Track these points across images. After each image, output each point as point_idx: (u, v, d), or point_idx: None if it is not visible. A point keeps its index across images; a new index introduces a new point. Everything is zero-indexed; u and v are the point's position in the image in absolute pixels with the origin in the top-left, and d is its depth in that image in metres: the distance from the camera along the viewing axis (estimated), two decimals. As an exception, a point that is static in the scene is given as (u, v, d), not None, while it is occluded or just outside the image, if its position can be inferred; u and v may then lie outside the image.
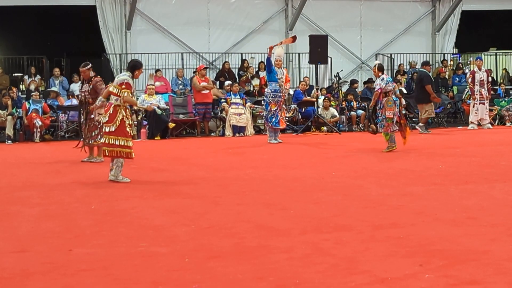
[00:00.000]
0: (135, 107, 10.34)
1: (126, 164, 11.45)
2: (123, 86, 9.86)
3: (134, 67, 10.09)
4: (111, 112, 9.88)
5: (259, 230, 6.35)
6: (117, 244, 5.88)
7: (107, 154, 9.94)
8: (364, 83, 23.43)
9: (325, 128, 19.89)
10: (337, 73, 21.69)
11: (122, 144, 9.83)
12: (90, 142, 12.58)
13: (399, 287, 4.52)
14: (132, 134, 10.11)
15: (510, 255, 5.22)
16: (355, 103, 21.17)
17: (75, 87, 19.15)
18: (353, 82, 23.03)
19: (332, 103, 20.72)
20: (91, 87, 12.55)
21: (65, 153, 13.03)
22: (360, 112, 20.88)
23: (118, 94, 9.84)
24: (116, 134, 9.82)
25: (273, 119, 16.49)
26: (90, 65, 12.85)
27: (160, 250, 5.61)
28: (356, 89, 22.82)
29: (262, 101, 17.73)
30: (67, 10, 25.52)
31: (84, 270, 5.06)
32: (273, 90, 16.58)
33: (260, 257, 5.34)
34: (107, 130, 9.89)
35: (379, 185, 9.11)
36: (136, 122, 18.96)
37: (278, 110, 16.47)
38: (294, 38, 18.01)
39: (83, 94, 12.73)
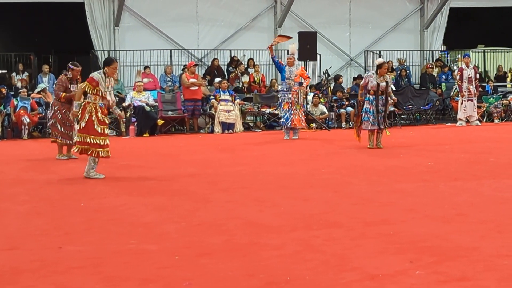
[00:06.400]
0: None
1: (114, 161, 11.46)
2: (87, 80, 10.00)
3: (105, 63, 10.16)
4: (82, 109, 9.95)
5: (250, 227, 6.35)
6: (107, 241, 5.86)
7: (79, 152, 10.03)
8: (353, 79, 23.47)
9: (314, 125, 19.90)
10: (326, 70, 21.71)
11: (92, 142, 9.83)
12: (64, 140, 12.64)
13: (389, 283, 4.52)
14: (104, 131, 9.97)
15: (500, 251, 5.23)
16: (346, 102, 21.17)
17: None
18: (337, 77, 23.01)
19: (321, 100, 20.73)
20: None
21: (53, 150, 12.96)
22: (350, 109, 20.88)
23: (88, 91, 9.91)
24: (85, 132, 9.85)
25: (282, 119, 16.64)
26: None
27: (150, 248, 5.59)
28: (342, 84, 22.84)
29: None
30: (55, 7, 25.41)
31: (74, 267, 5.03)
32: (281, 89, 16.80)
33: (251, 254, 5.33)
34: (78, 127, 10.04)
35: (369, 182, 9.12)
36: (124, 119, 18.93)
37: (289, 109, 16.46)
38: (288, 37, 17.96)
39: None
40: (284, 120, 16.52)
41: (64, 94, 12.65)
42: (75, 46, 28.37)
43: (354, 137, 13.89)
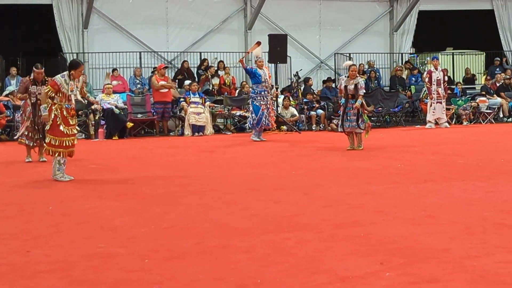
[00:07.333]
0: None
1: (83, 164, 11.38)
2: (50, 84, 10.05)
3: (71, 66, 10.18)
4: (48, 110, 9.99)
5: (220, 230, 6.33)
6: (75, 245, 5.81)
7: (49, 153, 10.06)
8: (323, 82, 23.53)
9: (285, 127, 19.90)
10: (297, 72, 21.73)
11: (56, 144, 9.88)
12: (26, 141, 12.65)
13: (360, 285, 4.53)
14: (68, 133, 9.98)
15: (469, 253, 5.26)
16: (317, 104, 21.22)
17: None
18: (307, 80, 23.05)
19: (291, 102, 20.75)
20: None
21: (21, 153, 12.83)
22: (320, 111, 20.93)
23: (51, 94, 9.95)
24: (51, 133, 9.92)
25: (265, 121, 16.55)
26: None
27: (119, 251, 5.55)
28: (312, 87, 22.89)
29: (249, 103, 17.41)
30: (23, 9, 25.18)
31: (43, 271, 4.98)
32: (259, 92, 16.57)
33: (221, 257, 5.31)
34: (46, 128, 10.07)
35: (339, 184, 9.14)
36: (93, 122, 18.78)
37: (265, 111, 16.49)
38: (258, 43, 17.91)
39: (39, 96, 12.63)
40: (257, 122, 16.48)
41: (20, 95, 12.88)
42: (44, 49, 28.13)
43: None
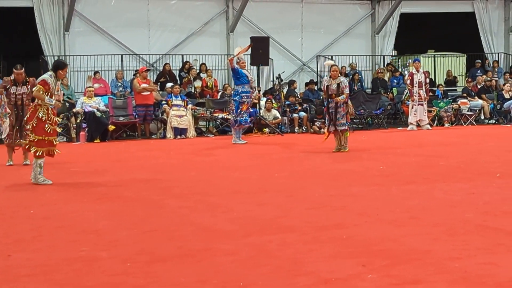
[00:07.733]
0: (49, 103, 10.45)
1: (65, 167, 11.33)
2: (39, 83, 10.02)
3: (57, 67, 10.17)
4: (32, 111, 10.02)
5: (203, 233, 6.31)
6: (57, 248, 5.78)
7: (32, 152, 10.04)
8: (306, 84, 23.55)
9: (267, 130, 19.92)
10: (279, 74, 21.76)
11: (39, 140, 9.88)
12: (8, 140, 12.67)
13: (343, 287, 4.53)
14: (51, 131, 10.00)
15: (451, 254, 5.28)
16: (299, 107, 21.24)
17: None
18: (292, 82, 23.10)
19: (274, 104, 20.76)
20: (29, 89, 12.43)
21: (2, 156, 12.76)
22: (302, 114, 20.95)
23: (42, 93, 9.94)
24: (34, 132, 9.91)
25: (243, 119, 16.65)
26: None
27: (101, 255, 5.52)
28: (296, 90, 22.91)
29: (232, 103, 17.37)
30: (4, 11, 25.03)
31: (24, 275, 4.95)
32: (244, 91, 16.59)
33: (204, 260, 5.30)
34: (27, 127, 10.18)
35: (322, 186, 9.15)
36: (75, 125, 18.71)
37: (246, 111, 16.61)
38: (249, 46, 18.05)
39: (19, 97, 12.59)
40: (245, 121, 16.56)
41: None
42: (25, 51, 28.00)
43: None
